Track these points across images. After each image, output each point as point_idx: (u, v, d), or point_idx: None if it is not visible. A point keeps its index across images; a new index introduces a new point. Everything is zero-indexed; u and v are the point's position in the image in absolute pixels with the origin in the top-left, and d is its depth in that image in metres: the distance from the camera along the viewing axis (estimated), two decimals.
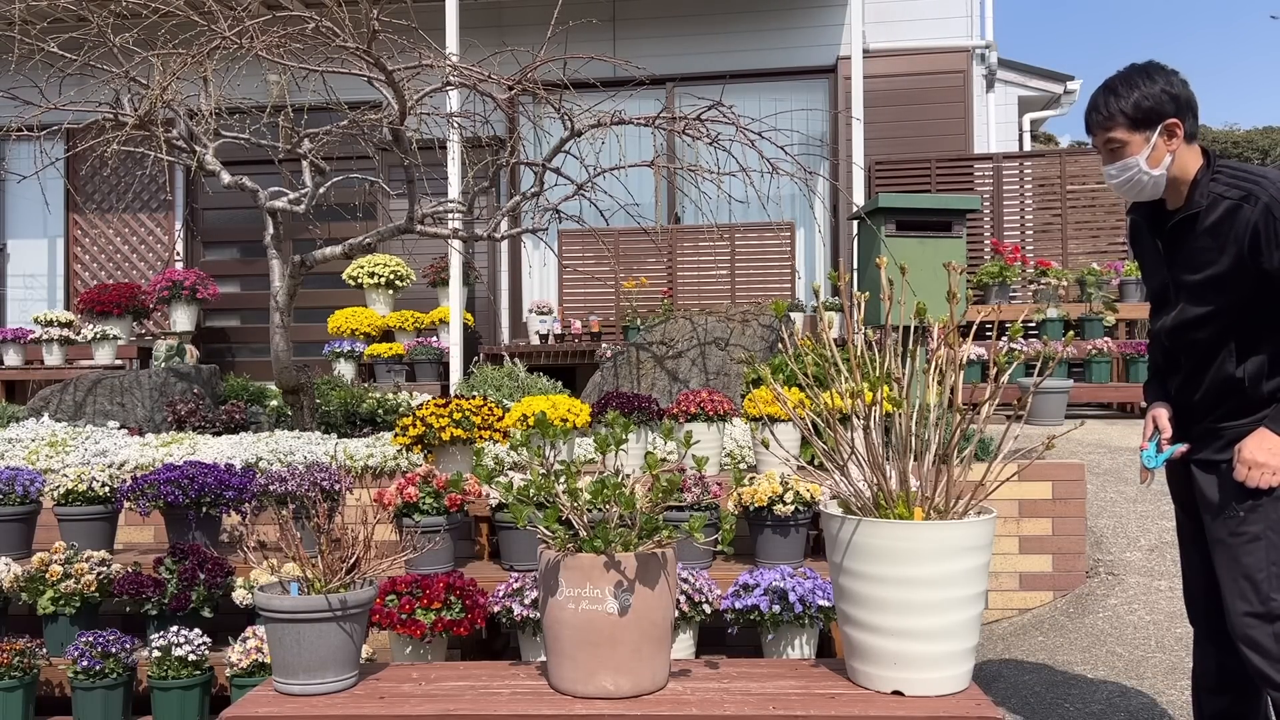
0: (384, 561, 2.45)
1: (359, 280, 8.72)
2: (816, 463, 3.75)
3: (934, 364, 2.25)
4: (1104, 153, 2.45)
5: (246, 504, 4.02)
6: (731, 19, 9.39)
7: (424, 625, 3.15)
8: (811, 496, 3.60)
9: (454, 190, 7.58)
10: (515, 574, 3.43)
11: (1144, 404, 2.79)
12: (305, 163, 5.45)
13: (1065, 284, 7.82)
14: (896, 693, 2.14)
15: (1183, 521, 2.69)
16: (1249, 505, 2.37)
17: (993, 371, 2.26)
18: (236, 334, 10.07)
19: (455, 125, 6.00)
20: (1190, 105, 2.38)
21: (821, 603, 3.25)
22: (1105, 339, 7.24)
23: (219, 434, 5.55)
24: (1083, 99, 10.78)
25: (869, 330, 2.56)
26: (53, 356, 8.50)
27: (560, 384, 6.88)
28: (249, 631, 3.44)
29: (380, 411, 5.82)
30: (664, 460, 3.50)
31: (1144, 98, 2.35)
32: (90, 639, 3.43)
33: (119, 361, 8.54)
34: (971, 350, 6.97)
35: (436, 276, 8.70)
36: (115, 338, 8.55)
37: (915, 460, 2.21)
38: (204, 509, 3.98)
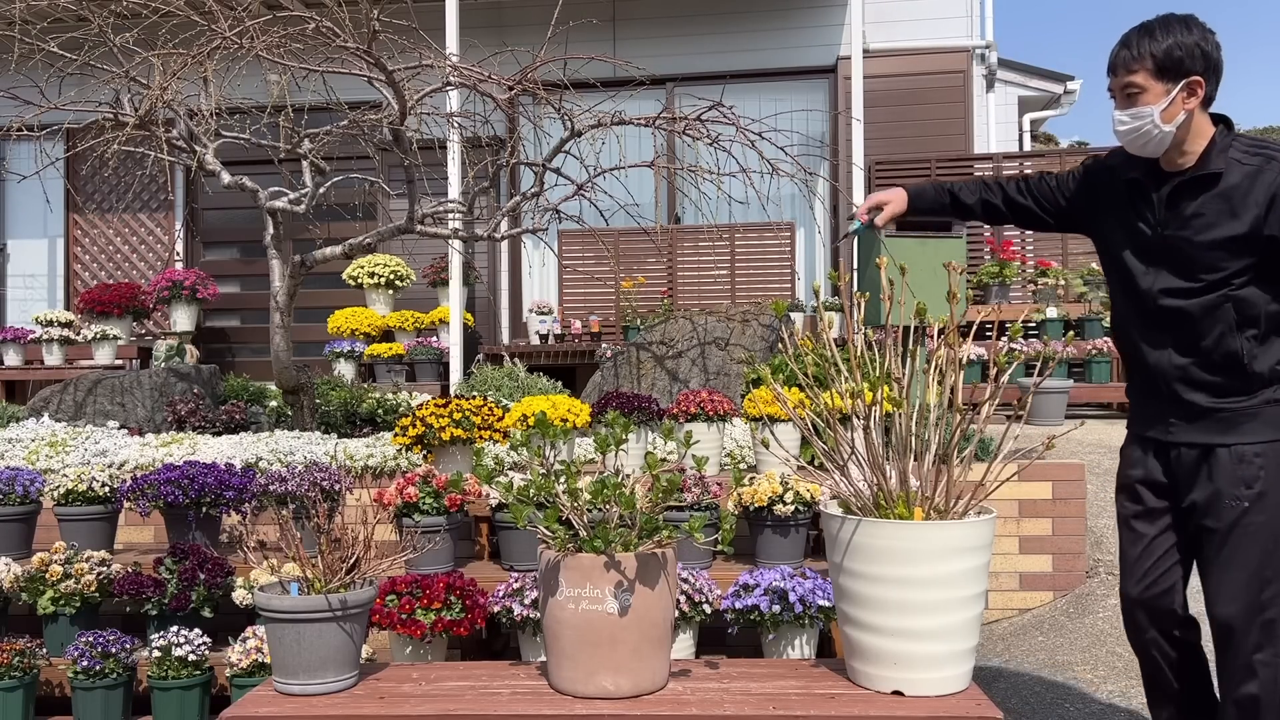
0: (384, 561, 2.45)
1: (359, 280, 8.72)
2: (816, 463, 3.75)
3: (934, 364, 2.25)
4: (1119, 97, 2.38)
5: (246, 504, 4.02)
6: (731, 19, 9.39)
7: (424, 625, 3.15)
8: (811, 496, 3.60)
9: (454, 190, 7.57)
10: (515, 574, 3.43)
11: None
12: (305, 163, 5.45)
13: (1065, 284, 7.81)
14: (896, 693, 2.14)
15: (1135, 508, 2.55)
16: (1255, 494, 2.32)
17: (993, 371, 2.26)
18: (236, 334, 10.07)
19: (455, 125, 6.00)
20: (1217, 70, 2.33)
21: (821, 603, 3.25)
22: (1105, 339, 7.24)
23: (219, 434, 5.55)
24: (1083, 99, 10.77)
25: (869, 330, 2.56)
26: (53, 356, 8.50)
27: (560, 384, 6.88)
28: (249, 631, 3.44)
29: (380, 411, 5.82)
30: (664, 460, 3.50)
31: (1177, 46, 2.29)
32: (90, 639, 3.43)
33: (119, 361, 8.54)
34: (971, 350, 6.97)
35: (436, 276, 8.70)
36: (115, 338, 8.55)
37: (915, 460, 2.21)
38: (204, 509, 3.98)
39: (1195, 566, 2.52)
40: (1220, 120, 2.39)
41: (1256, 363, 2.33)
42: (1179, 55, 2.29)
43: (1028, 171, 2.85)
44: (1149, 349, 2.45)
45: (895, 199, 2.79)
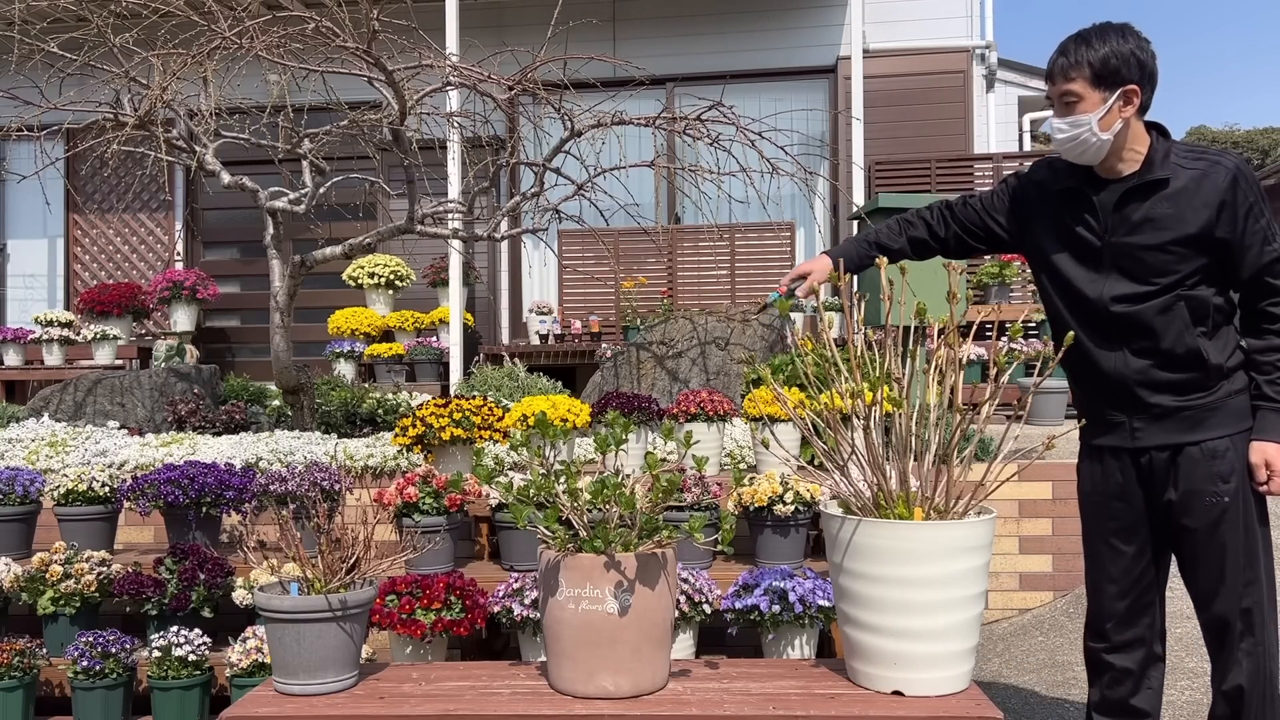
0: (384, 561, 2.45)
1: (359, 280, 8.72)
2: (816, 463, 3.75)
3: (934, 364, 2.25)
4: (1058, 105, 2.39)
5: (246, 504, 4.02)
6: (731, 19, 9.39)
7: (424, 625, 3.15)
8: (811, 496, 3.60)
9: (454, 190, 7.58)
10: (515, 574, 3.43)
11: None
12: (305, 163, 5.45)
13: None
14: (896, 693, 2.14)
15: (1101, 526, 2.55)
16: (1232, 489, 2.35)
17: (993, 371, 2.26)
18: (236, 334, 10.07)
19: (455, 125, 6.00)
20: (1152, 78, 2.35)
21: (821, 603, 3.25)
22: None
23: (219, 434, 5.55)
24: None
25: (869, 330, 2.56)
26: (53, 356, 8.50)
27: (560, 384, 6.88)
28: (249, 631, 3.44)
29: (380, 411, 5.82)
30: (664, 460, 3.50)
31: (1113, 55, 2.30)
32: (90, 639, 3.43)
33: (119, 361, 8.54)
34: (971, 350, 6.96)
35: (436, 276, 8.70)
36: (115, 338, 8.55)
37: (915, 460, 2.20)
38: (204, 509, 3.98)
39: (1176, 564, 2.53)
40: (1154, 127, 2.41)
41: (1213, 357, 2.35)
42: (1115, 64, 2.30)
43: (950, 198, 2.81)
44: (1103, 355, 2.45)
45: (818, 269, 2.72)
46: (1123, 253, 2.39)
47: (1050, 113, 2.45)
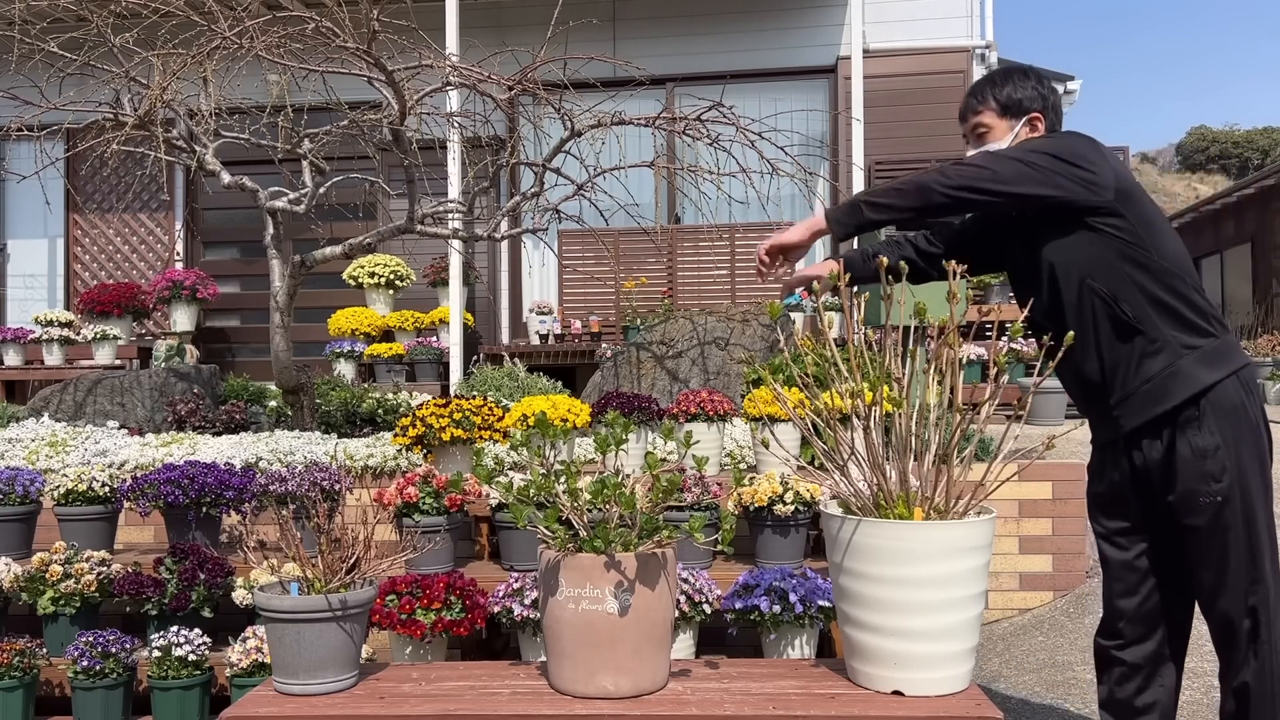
0: (384, 561, 2.45)
1: (359, 280, 8.72)
2: (816, 463, 3.75)
3: (934, 364, 2.25)
4: (971, 139, 2.61)
5: (246, 504, 4.02)
6: (731, 19, 9.39)
7: (424, 625, 3.15)
8: (811, 496, 3.60)
9: (454, 190, 7.58)
10: (515, 574, 3.43)
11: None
12: (305, 163, 5.45)
13: None
14: (896, 693, 2.14)
15: (1104, 525, 2.58)
16: (1224, 488, 2.36)
17: (993, 371, 2.26)
18: (236, 334, 10.07)
19: (455, 125, 6.00)
20: (1056, 109, 2.58)
21: (821, 603, 3.25)
22: None
23: (219, 434, 5.55)
24: (1083, 99, 10.72)
25: (869, 330, 2.56)
26: (53, 356, 8.50)
27: (560, 384, 6.88)
28: (249, 631, 3.44)
29: (380, 411, 5.82)
30: (664, 460, 3.49)
31: (1016, 89, 2.54)
32: (90, 639, 3.43)
33: (119, 361, 8.55)
34: (971, 350, 6.97)
35: (436, 276, 8.70)
36: (115, 338, 8.55)
37: (915, 460, 2.20)
38: (204, 509, 3.98)
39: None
40: None
41: (1148, 330, 2.38)
42: (1019, 97, 2.55)
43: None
44: (1070, 354, 2.47)
45: (824, 274, 2.78)
46: (1033, 255, 2.52)
47: None
